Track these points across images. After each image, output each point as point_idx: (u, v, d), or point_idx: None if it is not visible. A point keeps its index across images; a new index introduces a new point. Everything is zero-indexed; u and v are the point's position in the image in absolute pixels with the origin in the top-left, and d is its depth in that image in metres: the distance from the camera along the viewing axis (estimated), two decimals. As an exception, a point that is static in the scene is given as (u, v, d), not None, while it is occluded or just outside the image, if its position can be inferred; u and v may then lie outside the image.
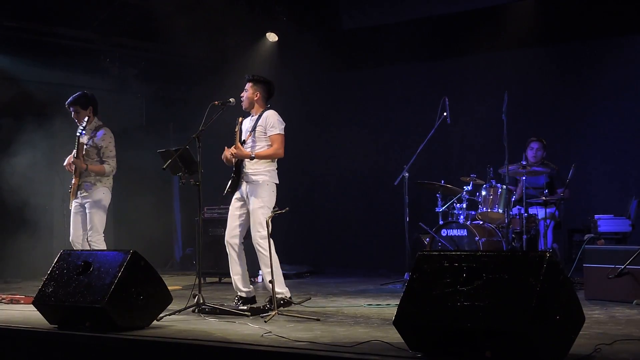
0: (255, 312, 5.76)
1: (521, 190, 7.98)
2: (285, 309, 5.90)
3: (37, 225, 9.51)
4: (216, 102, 6.14)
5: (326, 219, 11.09)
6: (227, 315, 5.70)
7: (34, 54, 9.62)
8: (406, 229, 8.27)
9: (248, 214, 6.19)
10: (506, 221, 7.78)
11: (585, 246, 6.88)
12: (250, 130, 6.24)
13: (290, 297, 6.18)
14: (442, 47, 10.32)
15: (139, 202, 10.57)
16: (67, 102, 7.08)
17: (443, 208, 8.18)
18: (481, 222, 7.99)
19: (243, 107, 6.35)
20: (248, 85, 6.34)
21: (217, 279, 8.99)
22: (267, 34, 10.82)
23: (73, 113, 7.07)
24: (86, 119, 6.95)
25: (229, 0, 9.86)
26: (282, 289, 6.08)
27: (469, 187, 8.14)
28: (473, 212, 8.07)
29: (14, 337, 5.22)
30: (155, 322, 5.30)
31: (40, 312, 5.35)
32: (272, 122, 6.19)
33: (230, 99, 6.24)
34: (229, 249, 6.23)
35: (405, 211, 8.31)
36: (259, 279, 8.22)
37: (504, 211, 7.84)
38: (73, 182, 6.98)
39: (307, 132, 10.87)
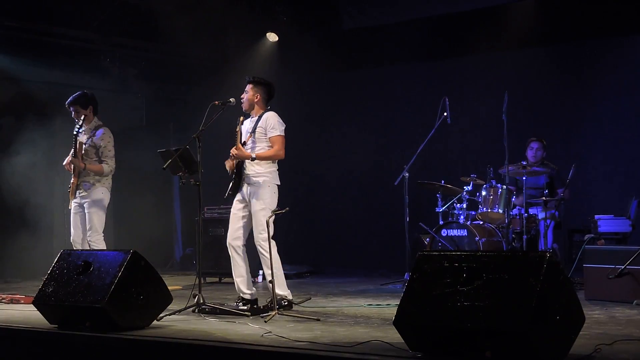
0: (255, 312, 5.77)
1: (522, 197, 7.95)
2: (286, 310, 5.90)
3: (37, 225, 9.51)
4: (216, 102, 6.14)
5: (326, 219, 11.09)
6: (227, 315, 5.71)
7: (34, 54, 9.61)
8: (406, 229, 8.27)
9: (250, 215, 6.16)
10: (506, 221, 7.78)
11: (586, 246, 6.88)
12: (250, 131, 6.23)
13: (291, 300, 6.16)
14: (442, 47, 10.32)
15: (139, 202, 10.57)
16: (67, 102, 7.08)
17: (443, 208, 8.18)
18: (481, 222, 7.99)
19: (243, 109, 6.35)
20: (248, 87, 6.33)
21: (217, 279, 8.99)
22: (268, 34, 10.82)
23: (73, 113, 7.06)
24: (82, 117, 6.94)
25: (229, 0, 9.86)
26: (284, 291, 6.07)
27: (469, 187, 8.14)
28: (473, 212, 8.07)
29: (14, 337, 5.22)
30: (155, 322, 5.30)
31: (40, 312, 5.36)
32: (272, 123, 6.18)
33: (231, 99, 6.24)
34: (231, 252, 6.20)
35: (406, 211, 8.31)
36: (259, 278, 8.24)
37: (504, 211, 7.84)
38: (72, 181, 6.97)
39: (307, 132, 10.87)
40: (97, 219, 6.94)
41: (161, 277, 5.40)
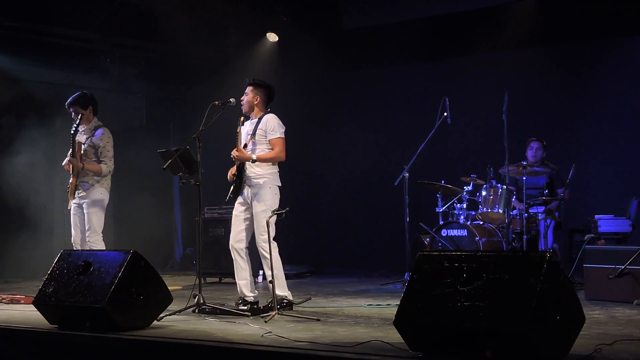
0: (256, 312, 5.77)
1: (522, 205, 7.94)
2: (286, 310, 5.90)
3: (37, 225, 9.51)
4: (216, 102, 6.13)
5: (326, 219, 11.09)
6: (228, 315, 5.71)
7: (34, 54, 9.62)
8: (406, 229, 8.27)
9: (252, 218, 6.15)
10: (506, 221, 7.78)
11: (586, 246, 6.88)
12: (250, 134, 6.22)
13: (292, 300, 6.16)
14: (442, 47, 10.32)
15: (139, 202, 10.57)
16: (66, 103, 7.06)
17: (443, 208, 8.18)
18: (481, 222, 7.99)
19: (243, 111, 6.34)
20: (248, 89, 6.32)
21: (217, 279, 9.00)
22: (268, 34, 10.82)
23: (73, 113, 7.05)
24: (80, 116, 6.92)
25: (229, 0, 9.86)
26: (284, 292, 6.06)
27: (469, 187, 8.14)
28: (473, 212, 8.07)
29: (14, 337, 5.22)
30: (155, 322, 5.30)
31: (40, 312, 5.36)
32: (272, 125, 6.17)
33: (231, 99, 6.24)
34: (234, 254, 6.19)
35: (406, 211, 8.31)
36: (260, 278, 8.23)
37: (504, 211, 7.84)
38: (70, 181, 6.96)
39: (307, 132, 10.87)
40: (96, 219, 6.92)
41: (161, 277, 5.40)
